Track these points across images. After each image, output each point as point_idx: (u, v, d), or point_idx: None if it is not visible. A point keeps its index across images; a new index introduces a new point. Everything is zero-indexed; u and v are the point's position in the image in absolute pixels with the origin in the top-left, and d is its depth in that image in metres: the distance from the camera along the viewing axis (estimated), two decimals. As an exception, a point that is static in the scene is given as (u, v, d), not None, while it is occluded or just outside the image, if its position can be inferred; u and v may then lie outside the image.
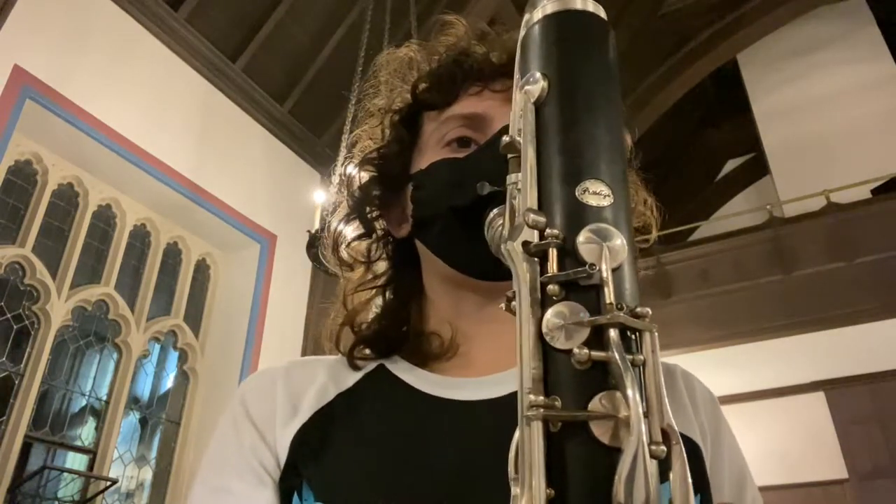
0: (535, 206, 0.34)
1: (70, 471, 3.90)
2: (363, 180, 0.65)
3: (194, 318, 4.87)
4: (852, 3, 7.92)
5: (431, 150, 0.61)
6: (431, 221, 0.58)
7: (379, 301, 0.65)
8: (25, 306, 3.85)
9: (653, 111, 7.52)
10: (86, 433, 4.07)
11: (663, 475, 0.29)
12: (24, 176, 4.01)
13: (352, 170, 0.67)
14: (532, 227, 0.33)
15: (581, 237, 0.32)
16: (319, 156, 5.58)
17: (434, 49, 0.66)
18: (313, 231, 3.73)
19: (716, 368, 5.79)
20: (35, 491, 3.73)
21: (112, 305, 4.30)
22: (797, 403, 5.91)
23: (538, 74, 0.38)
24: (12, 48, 3.63)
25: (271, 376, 0.59)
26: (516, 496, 0.28)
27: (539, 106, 0.37)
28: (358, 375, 0.59)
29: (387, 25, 4.41)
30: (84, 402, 4.11)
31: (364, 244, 0.65)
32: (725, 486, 0.56)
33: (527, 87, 0.38)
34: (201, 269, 5.06)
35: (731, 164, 9.93)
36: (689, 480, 0.29)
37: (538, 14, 0.39)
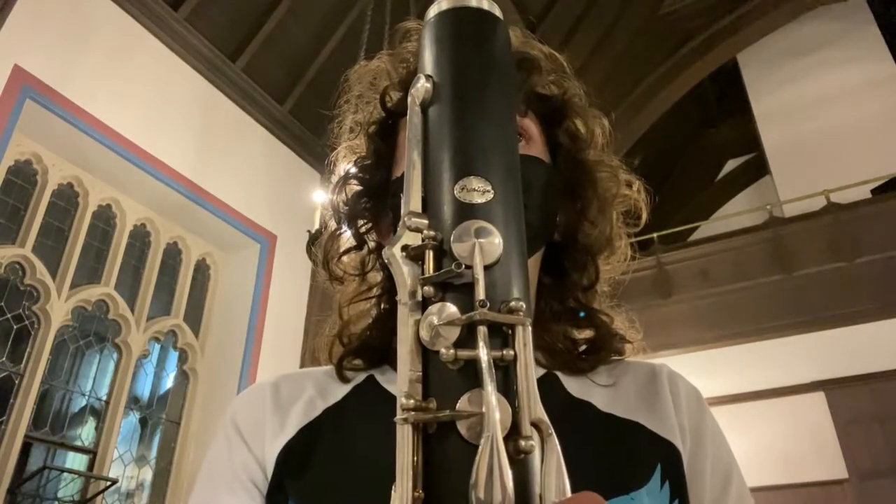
0: (419, 208, 0.35)
1: (70, 471, 3.90)
2: (350, 194, 0.66)
3: (194, 318, 4.87)
4: (852, 3, 7.92)
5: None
6: None
7: (374, 313, 0.65)
8: (25, 306, 3.85)
9: (653, 111, 7.53)
10: (86, 433, 4.07)
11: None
12: (24, 176, 4.01)
13: (337, 185, 0.67)
14: (413, 230, 0.34)
15: (454, 236, 0.32)
16: (319, 156, 5.58)
17: (402, 56, 0.67)
18: (313, 231, 3.73)
19: (716, 368, 5.79)
20: (35, 491, 3.73)
21: (112, 305, 4.30)
22: (797, 403, 5.91)
23: (422, 76, 0.38)
24: (12, 48, 3.63)
25: (261, 391, 0.60)
26: (392, 500, 0.29)
27: (426, 107, 0.38)
28: (347, 388, 0.60)
29: (387, 26, 4.40)
30: (84, 402, 4.11)
31: (358, 257, 0.65)
32: (707, 483, 0.56)
33: (412, 90, 0.38)
34: (201, 269, 5.06)
35: (731, 164, 9.93)
36: (564, 471, 0.29)
37: (433, 11, 0.40)
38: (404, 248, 0.33)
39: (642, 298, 5.84)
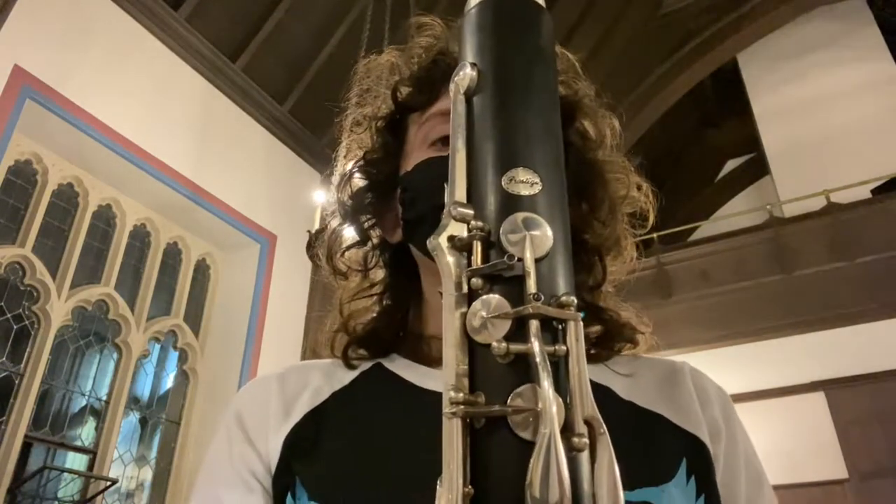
0: (464, 199, 0.34)
1: (70, 471, 3.89)
2: (355, 189, 0.65)
3: (194, 318, 4.87)
4: (852, 3, 7.92)
5: (417, 152, 0.61)
6: (420, 222, 0.57)
7: (377, 309, 0.64)
8: (25, 306, 3.85)
9: (653, 111, 7.53)
10: (86, 433, 4.07)
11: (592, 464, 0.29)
12: (24, 176, 4.01)
13: (343, 179, 0.67)
14: (459, 220, 0.33)
15: (504, 228, 0.32)
16: (319, 156, 5.58)
17: (412, 51, 0.66)
18: (313, 231, 3.73)
19: (716, 368, 5.76)
20: (35, 491, 3.73)
21: (112, 305, 4.30)
22: (797, 403, 5.91)
23: (467, 64, 0.38)
24: (12, 48, 3.63)
25: (266, 384, 0.59)
26: (440, 495, 0.28)
27: (470, 96, 0.37)
28: (354, 374, 0.59)
29: (387, 25, 4.40)
30: (84, 402, 4.11)
31: (360, 252, 0.65)
32: (742, 486, 0.55)
33: (455, 78, 0.38)
34: (201, 269, 5.06)
35: (731, 164, 9.94)
36: (616, 469, 0.28)
37: (473, 1, 0.40)
38: (450, 238, 0.33)
39: (642, 298, 5.81)
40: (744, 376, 5.95)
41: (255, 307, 4.87)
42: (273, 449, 0.54)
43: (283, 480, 0.52)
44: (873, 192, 6.42)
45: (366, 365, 0.60)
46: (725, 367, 5.81)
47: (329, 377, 0.59)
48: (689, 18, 7.32)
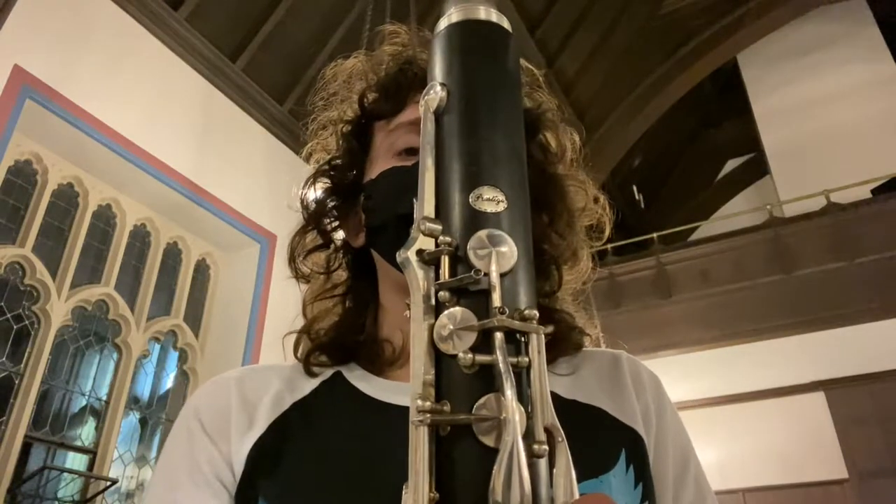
0: (433, 214, 0.35)
1: (70, 471, 3.89)
2: (319, 192, 0.66)
3: (194, 318, 4.87)
4: (852, 3, 7.93)
5: (382, 159, 0.62)
6: (382, 229, 0.59)
7: (339, 311, 0.65)
8: (25, 306, 3.85)
9: (653, 111, 7.53)
10: (86, 433, 4.07)
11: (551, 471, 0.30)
12: (24, 176, 4.01)
13: (307, 181, 0.68)
14: (427, 235, 0.34)
15: (471, 243, 0.33)
16: (319, 156, 5.58)
17: (380, 59, 0.67)
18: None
19: (716, 368, 5.79)
20: (35, 491, 3.73)
21: (112, 305, 4.30)
22: (797, 403, 5.91)
23: (437, 84, 0.39)
24: (12, 48, 3.63)
25: (225, 386, 0.59)
26: (405, 500, 0.29)
27: (439, 115, 0.38)
28: (314, 383, 0.60)
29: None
30: (84, 402, 4.11)
31: (323, 255, 0.66)
32: (670, 462, 0.57)
33: (426, 98, 0.39)
34: (201, 269, 5.06)
35: (731, 164, 9.95)
36: (573, 476, 0.30)
37: (444, 23, 0.41)
38: (419, 252, 0.34)
39: (642, 298, 5.84)
40: (744, 376, 5.95)
41: (255, 307, 4.87)
42: (237, 457, 0.53)
43: (245, 494, 0.52)
44: (873, 192, 6.43)
45: (326, 374, 0.61)
46: (725, 367, 5.82)
47: (289, 384, 0.59)
48: (689, 18, 7.32)
